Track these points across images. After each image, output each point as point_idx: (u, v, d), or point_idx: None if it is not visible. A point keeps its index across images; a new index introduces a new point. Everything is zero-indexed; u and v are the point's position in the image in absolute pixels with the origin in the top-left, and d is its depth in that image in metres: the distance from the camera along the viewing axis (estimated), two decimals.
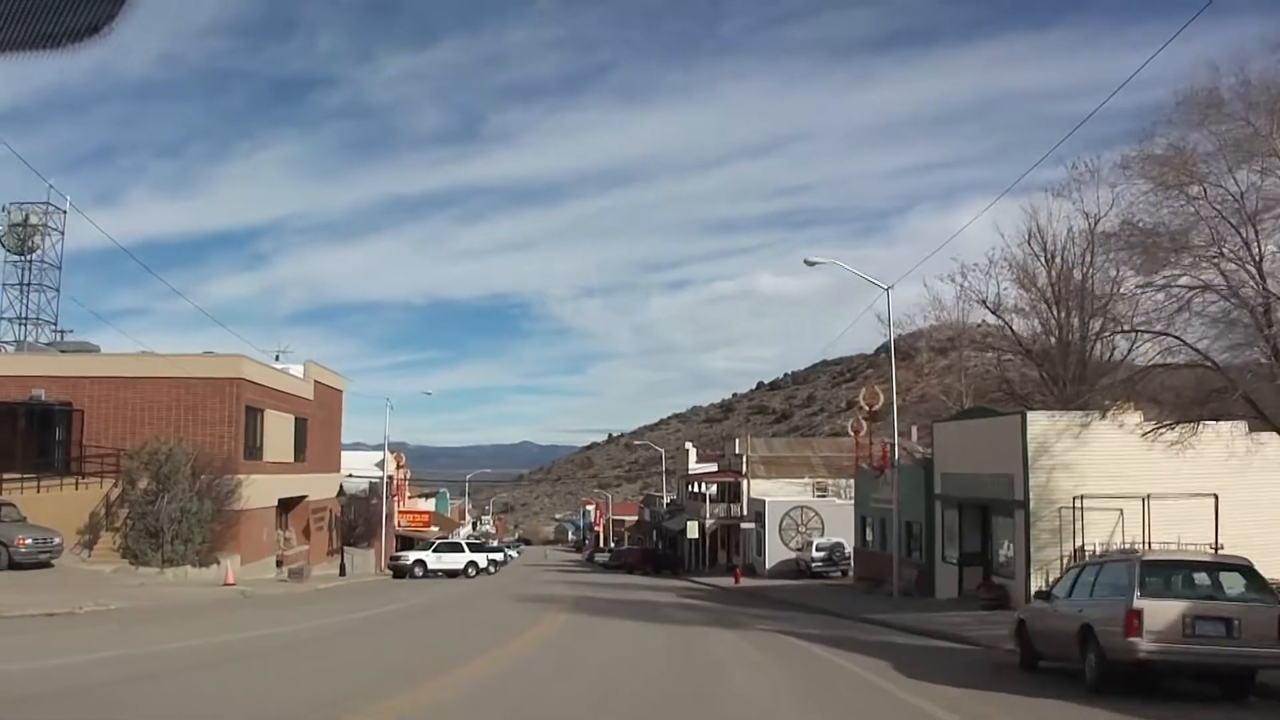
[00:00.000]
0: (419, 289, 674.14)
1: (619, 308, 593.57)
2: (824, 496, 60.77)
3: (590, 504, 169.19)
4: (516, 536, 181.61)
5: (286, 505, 46.34)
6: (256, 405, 39.74)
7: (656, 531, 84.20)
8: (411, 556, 51.94)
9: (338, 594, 33.87)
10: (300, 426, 46.44)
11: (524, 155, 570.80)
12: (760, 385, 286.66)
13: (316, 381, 49.06)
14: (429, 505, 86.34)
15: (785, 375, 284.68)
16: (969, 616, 25.32)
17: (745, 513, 61.62)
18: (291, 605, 26.31)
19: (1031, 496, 27.14)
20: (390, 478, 61.64)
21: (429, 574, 51.74)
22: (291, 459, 44.84)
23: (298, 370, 47.75)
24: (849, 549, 52.44)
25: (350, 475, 60.90)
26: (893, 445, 31.16)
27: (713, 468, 71.24)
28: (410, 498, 76.45)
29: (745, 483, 62.16)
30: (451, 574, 52.75)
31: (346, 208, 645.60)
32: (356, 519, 61.94)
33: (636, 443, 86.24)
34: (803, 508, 57.34)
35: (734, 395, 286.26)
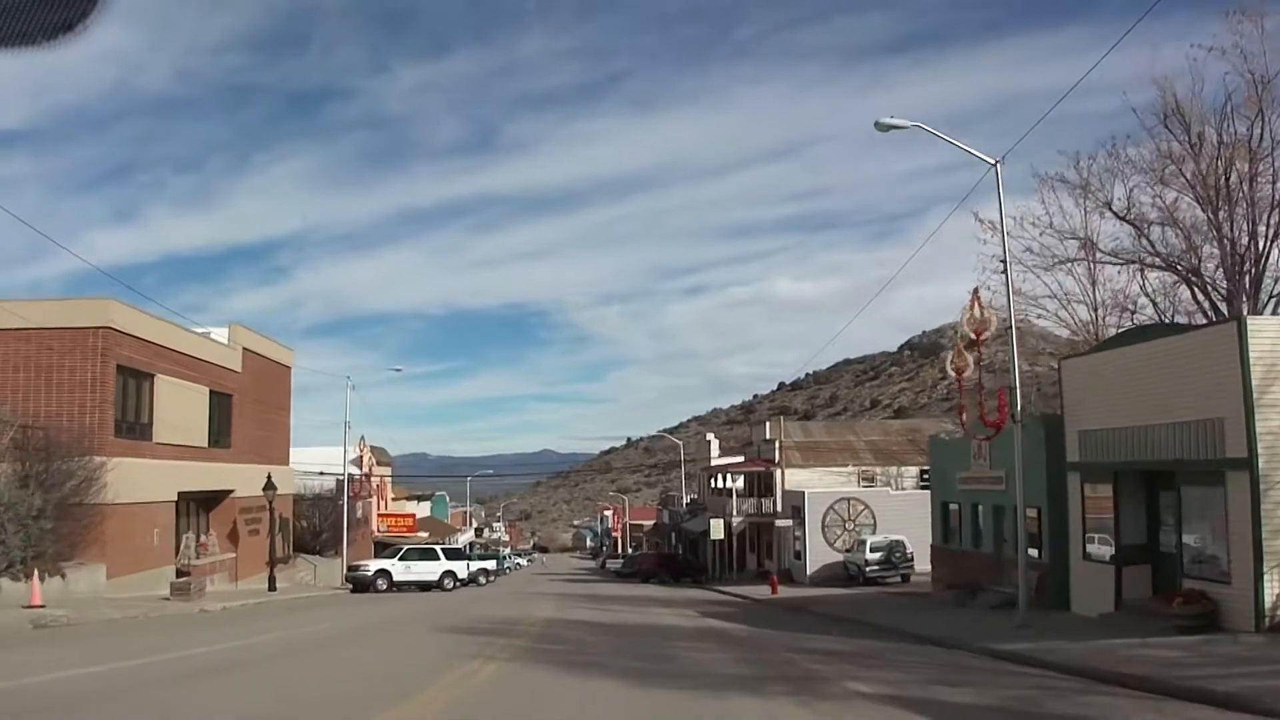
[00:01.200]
0: (436, 299, 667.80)
1: (636, 314, 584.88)
2: (871, 487, 50.34)
3: (608, 509, 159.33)
4: (531, 544, 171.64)
5: (207, 503, 36.40)
6: (140, 367, 29.79)
7: (676, 534, 73.83)
8: (374, 566, 41.90)
9: (216, 620, 23.71)
10: (220, 404, 36.49)
11: (539, 164, 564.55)
12: (781, 386, 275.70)
13: (247, 350, 39.10)
14: (422, 509, 76.28)
15: (806, 375, 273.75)
16: (1194, 653, 14.87)
17: (779, 508, 51.19)
18: (77, 643, 16.16)
19: (1261, 451, 16.75)
20: (364, 474, 51.57)
21: (395, 586, 41.71)
22: (205, 443, 34.86)
23: (221, 334, 37.79)
24: (910, 548, 41.99)
25: (321, 473, 51.01)
26: (1012, 390, 20.68)
27: (739, 460, 60.85)
28: (395, 499, 66.44)
29: (779, 473, 51.77)
30: (425, 586, 42.69)
31: (364, 219, 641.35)
32: (322, 523, 51.99)
33: (651, 434, 72.59)
34: (850, 500, 46.86)
35: (755, 396, 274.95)
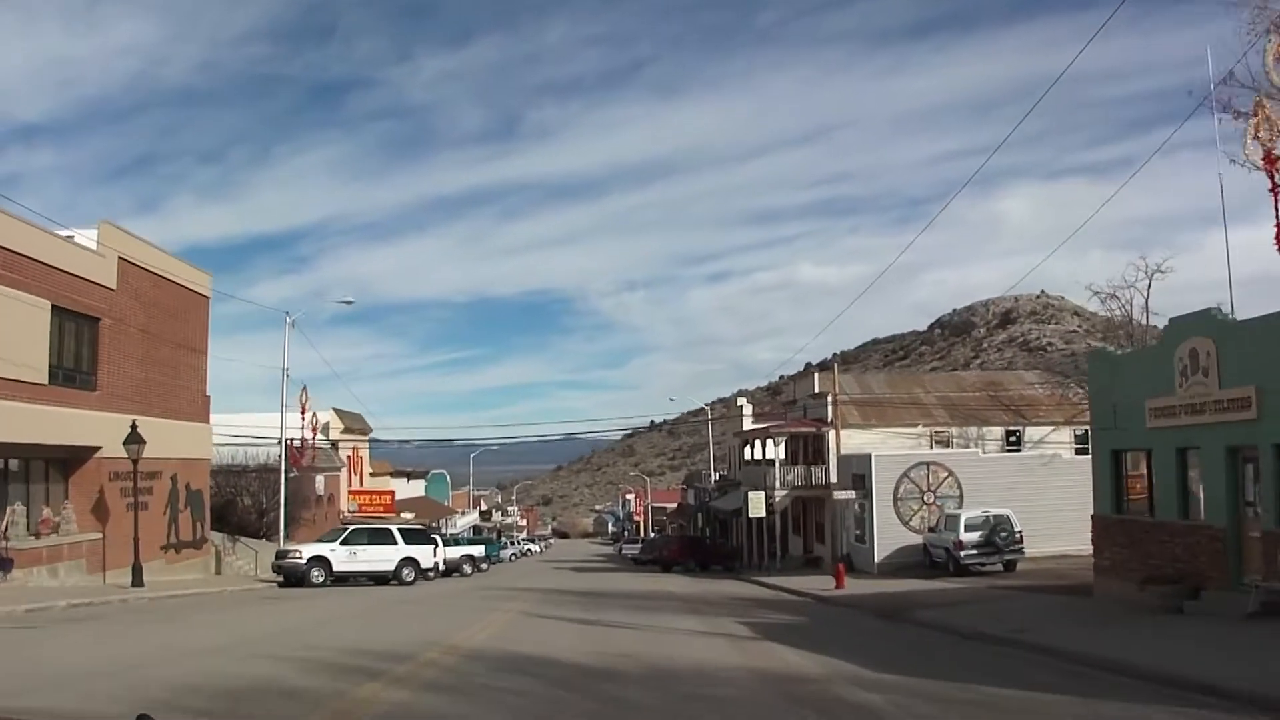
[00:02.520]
0: (461, 287, 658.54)
1: (660, 301, 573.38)
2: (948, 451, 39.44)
3: (630, 493, 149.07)
4: (550, 529, 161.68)
5: (64, 465, 26.14)
6: None
7: (703, 515, 63.16)
8: (308, 552, 31.38)
9: None
10: (76, 329, 26.09)
11: (563, 151, 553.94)
12: (808, 367, 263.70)
13: (129, 262, 28.67)
14: (412, 488, 65.96)
15: (834, 355, 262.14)
16: None
17: (833, 478, 40.38)
18: None
19: None
20: (307, 440, 41.15)
21: (335, 578, 31.36)
22: (44, 378, 24.45)
23: (88, 237, 27.35)
24: (1018, 524, 31.18)
25: (256, 440, 40.74)
26: None
27: (780, 423, 49.93)
28: (376, 475, 56.07)
29: (832, 436, 40.89)
30: (378, 578, 32.31)
31: (388, 208, 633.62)
32: (269, 501, 41.67)
33: (672, 399, 62.00)
34: (930, 465, 35.95)
35: (781, 378, 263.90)
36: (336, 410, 49.02)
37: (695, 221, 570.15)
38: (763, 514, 37.54)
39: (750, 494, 37.30)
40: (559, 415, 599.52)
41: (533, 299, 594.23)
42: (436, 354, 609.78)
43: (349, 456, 50.71)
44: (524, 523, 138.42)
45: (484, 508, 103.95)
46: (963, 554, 30.50)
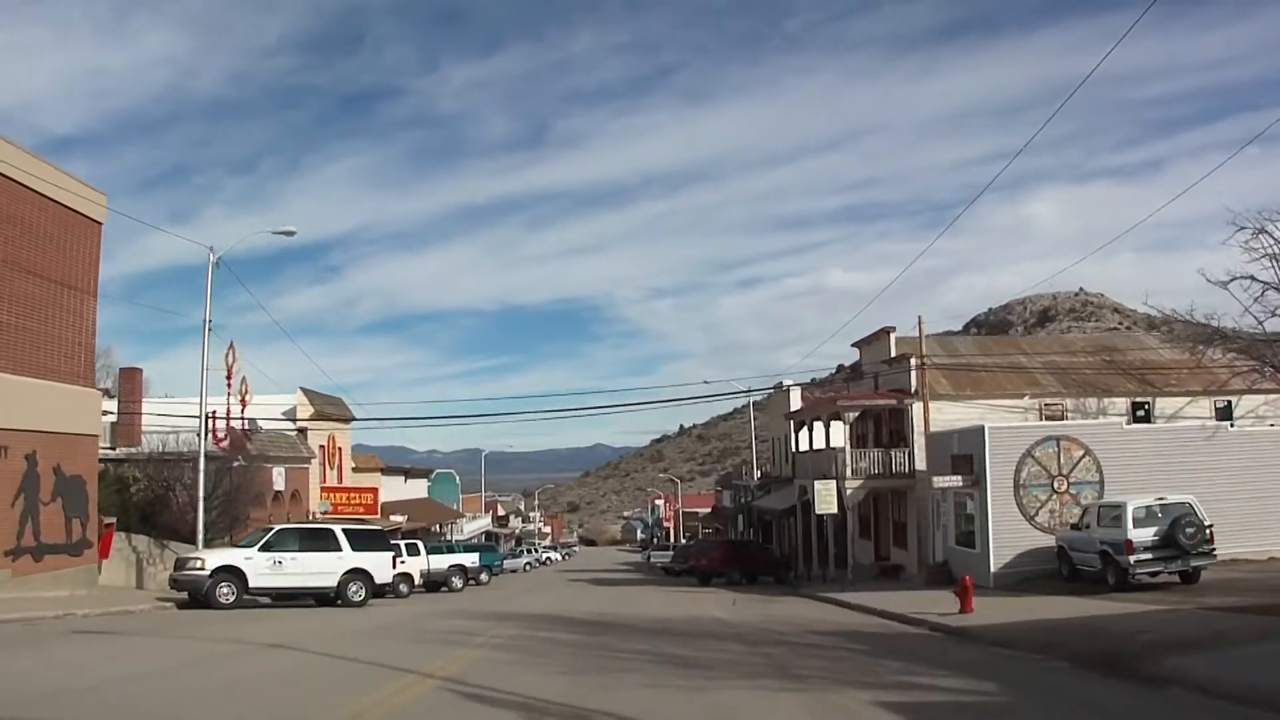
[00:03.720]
0: (490, 295, 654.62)
1: (689, 308, 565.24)
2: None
3: (659, 498, 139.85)
4: (576, 536, 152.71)
5: None
6: None
7: (745, 517, 53.77)
8: (213, 561, 22.37)
9: None
10: None
11: (591, 159, 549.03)
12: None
13: None
14: (412, 488, 57.08)
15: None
16: None
17: (920, 464, 31.13)
18: None
19: None
20: (240, 422, 32.42)
21: (251, 595, 22.51)
22: None
23: None
24: (1205, 517, 21.84)
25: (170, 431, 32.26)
26: None
27: (847, 396, 40.43)
28: (361, 470, 47.17)
29: (917, 409, 31.61)
30: (317, 596, 23.46)
31: (417, 217, 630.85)
32: (209, 496, 32.90)
33: (707, 381, 52.41)
34: (1061, 441, 26.45)
35: (813, 380, 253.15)
36: (306, 391, 40.34)
37: (724, 228, 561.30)
38: (834, 509, 28.21)
39: (818, 485, 27.94)
40: (586, 424, 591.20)
41: (561, 307, 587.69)
42: (465, 362, 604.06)
43: (323, 447, 41.99)
44: (547, 529, 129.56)
45: (501, 512, 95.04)
46: (1134, 559, 21.04)
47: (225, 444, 29.66)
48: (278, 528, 23.87)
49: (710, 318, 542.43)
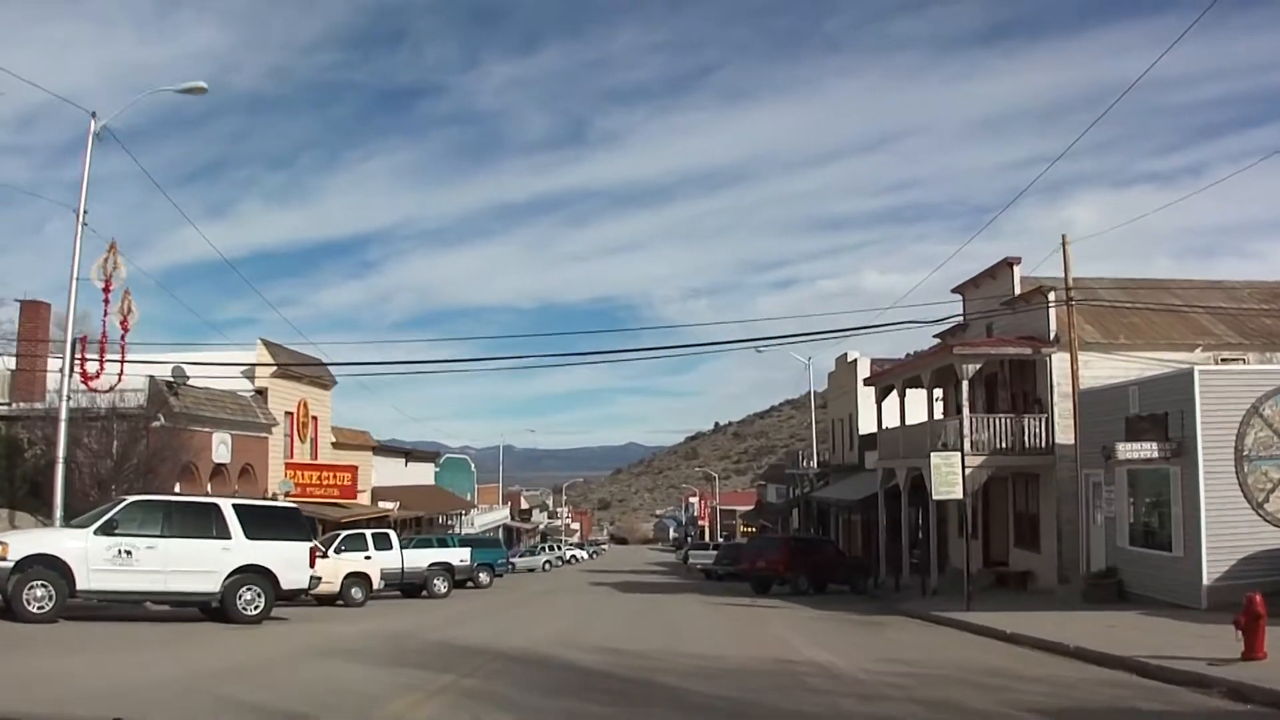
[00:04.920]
0: (527, 293, 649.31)
1: (726, 307, 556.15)
2: None
3: (694, 496, 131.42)
4: (607, 534, 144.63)
5: None
6: None
7: (801, 511, 45.02)
8: (24, 547, 14.31)
9: None
10: None
11: (630, 158, 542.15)
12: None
13: None
14: (415, 473, 49.02)
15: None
16: None
17: (1058, 435, 22.46)
18: None
19: None
20: (180, 380, 24.53)
21: (85, 597, 14.37)
22: None
23: None
24: None
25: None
26: None
27: (961, 343, 31.51)
28: (342, 446, 38.99)
29: (1058, 361, 22.97)
30: (196, 603, 15.24)
31: (454, 214, 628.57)
32: (119, 465, 25.15)
33: (759, 350, 44.14)
34: None
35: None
36: (269, 345, 32.39)
37: (761, 228, 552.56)
38: (957, 493, 19.55)
39: (936, 459, 19.08)
40: (620, 421, 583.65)
41: (598, 305, 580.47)
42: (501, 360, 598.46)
43: (290, 415, 34.04)
44: (576, 526, 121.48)
45: (525, 506, 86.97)
46: None
47: (101, 387, 21.61)
48: (129, 500, 15.67)
49: (746, 318, 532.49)
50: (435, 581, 25.90)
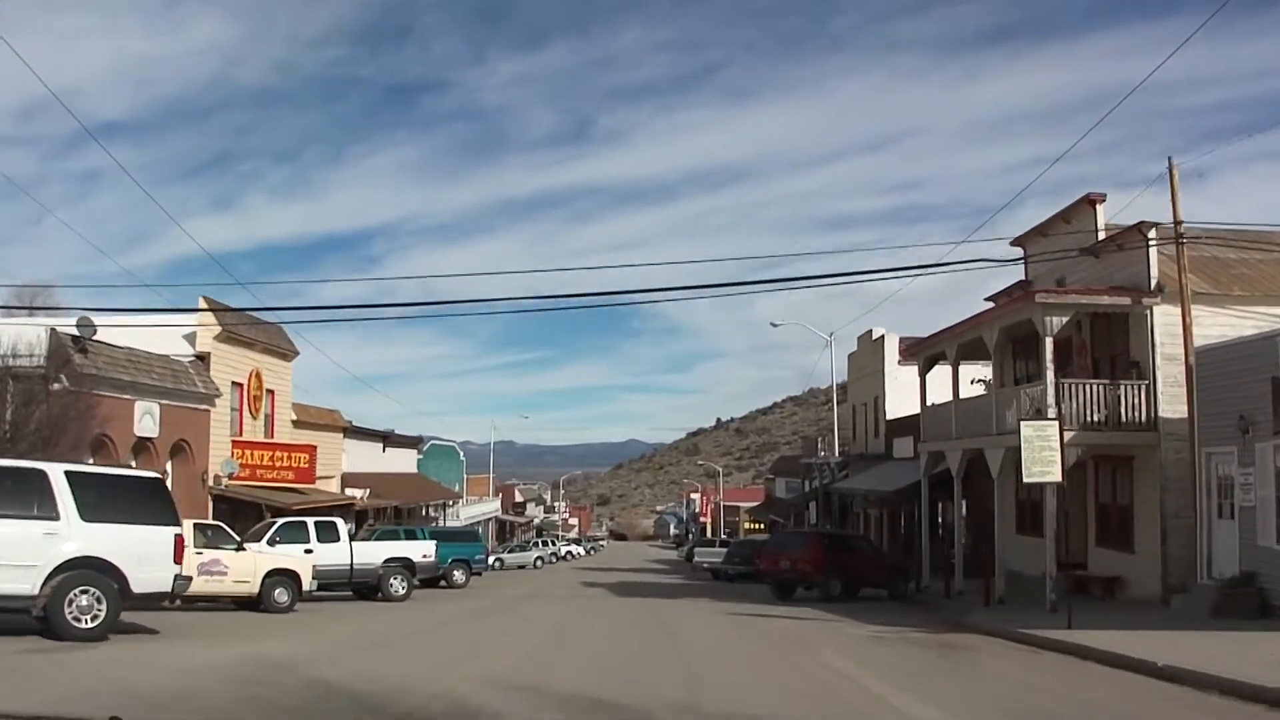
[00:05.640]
0: (529, 289, 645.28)
1: (727, 306, 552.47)
2: None
3: (695, 492, 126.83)
4: (605, 530, 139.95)
5: None
6: None
7: (819, 505, 40.25)
8: None
9: None
10: None
11: (634, 156, 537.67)
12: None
13: None
14: (396, 460, 44.33)
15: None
16: None
17: (1170, 408, 17.71)
18: None
19: None
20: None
21: None
22: None
23: None
24: None
25: None
26: None
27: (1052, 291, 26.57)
28: (304, 425, 34.21)
29: (1160, 318, 18.27)
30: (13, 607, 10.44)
31: (458, 209, 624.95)
32: (22, 427, 20.54)
33: (775, 324, 39.64)
34: None
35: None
36: (212, 304, 27.67)
37: (765, 227, 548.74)
38: (1055, 474, 14.81)
39: (1029, 432, 14.29)
40: (621, 419, 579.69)
41: (601, 302, 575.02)
42: (502, 355, 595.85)
43: (239, 386, 29.37)
44: (574, 521, 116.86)
45: (519, 499, 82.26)
46: None
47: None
48: None
49: (748, 317, 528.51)
50: (391, 581, 21.22)
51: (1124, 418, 18.68)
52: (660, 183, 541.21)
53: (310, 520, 21.27)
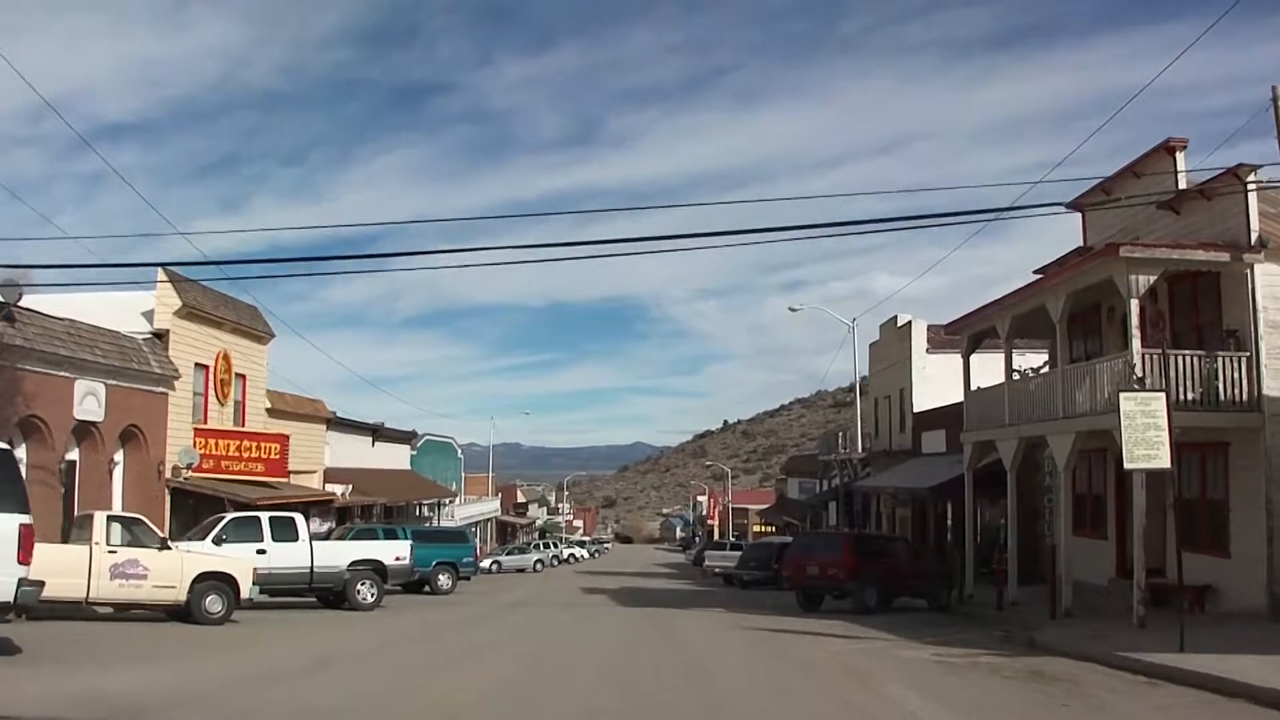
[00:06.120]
0: (536, 292, 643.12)
1: (735, 309, 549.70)
2: None
3: (702, 494, 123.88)
4: (611, 532, 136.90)
5: None
6: None
7: (841, 503, 37.08)
8: None
9: None
10: None
11: (641, 158, 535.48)
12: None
13: None
14: (387, 455, 41.41)
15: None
16: None
17: (1267, 384, 14.62)
18: None
19: None
20: None
21: None
22: None
23: None
24: None
25: None
26: None
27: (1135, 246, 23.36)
28: (279, 414, 31.21)
29: (1261, 277, 15.22)
30: None
31: (465, 212, 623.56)
32: None
33: (793, 308, 36.77)
34: None
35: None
36: (172, 276, 24.76)
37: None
38: (1164, 460, 11.90)
39: (1130, 406, 11.38)
40: (628, 420, 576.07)
41: (607, 305, 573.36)
42: (509, 358, 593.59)
43: (205, 368, 26.49)
44: (578, 523, 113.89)
45: (521, 499, 79.25)
46: None
47: None
48: None
49: (756, 320, 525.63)
50: (358, 587, 18.26)
51: (1222, 396, 15.65)
52: (667, 185, 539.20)
53: (264, 516, 18.31)
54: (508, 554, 50.26)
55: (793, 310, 38.28)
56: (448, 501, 48.32)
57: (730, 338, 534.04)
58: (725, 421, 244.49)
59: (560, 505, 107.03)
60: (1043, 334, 21.71)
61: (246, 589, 14.37)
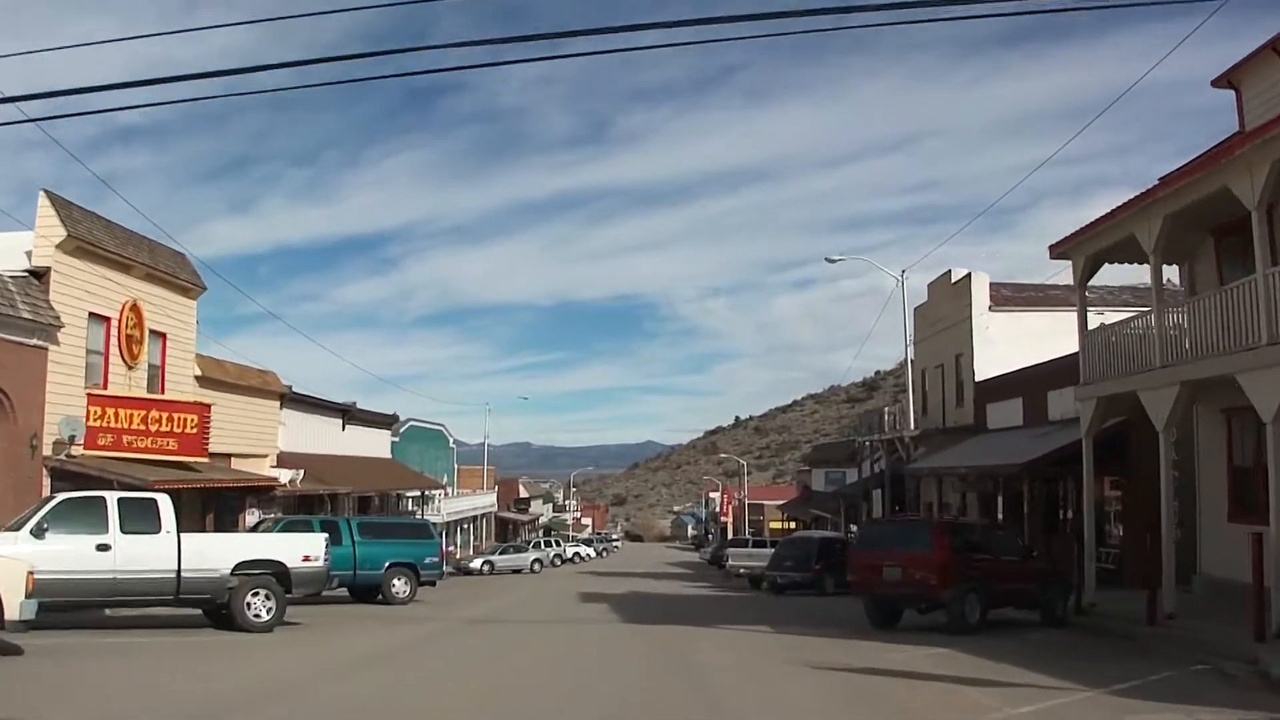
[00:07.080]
0: (547, 291, 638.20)
1: (745, 307, 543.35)
2: None
3: (715, 491, 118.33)
4: (620, 531, 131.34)
5: None
6: None
7: (887, 490, 31.22)
8: None
9: None
10: None
11: (651, 157, 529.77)
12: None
13: None
14: (367, 441, 35.90)
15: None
16: None
17: None
18: None
19: None
20: None
21: None
22: None
23: None
24: None
25: None
26: None
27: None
28: (210, 383, 25.67)
29: None
30: None
31: (475, 211, 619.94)
32: None
33: (830, 259, 31.32)
34: None
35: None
36: (54, 199, 19.26)
37: (782, 228, 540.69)
38: None
39: None
40: (638, 419, 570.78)
41: (617, 304, 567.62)
42: (519, 357, 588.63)
43: (105, 320, 21.04)
44: (586, 521, 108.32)
45: (523, 495, 73.65)
46: None
47: None
48: None
49: (765, 318, 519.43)
50: (248, 599, 12.72)
51: None
52: (678, 184, 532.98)
53: (111, 497, 12.74)
54: (502, 553, 44.67)
55: (830, 261, 32.64)
56: (435, 494, 42.76)
57: (739, 336, 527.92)
58: (737, 418, 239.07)
59: (568, 502, 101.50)
60: (1185, 255, 16.02)
61: (11, 607, 8.84)
